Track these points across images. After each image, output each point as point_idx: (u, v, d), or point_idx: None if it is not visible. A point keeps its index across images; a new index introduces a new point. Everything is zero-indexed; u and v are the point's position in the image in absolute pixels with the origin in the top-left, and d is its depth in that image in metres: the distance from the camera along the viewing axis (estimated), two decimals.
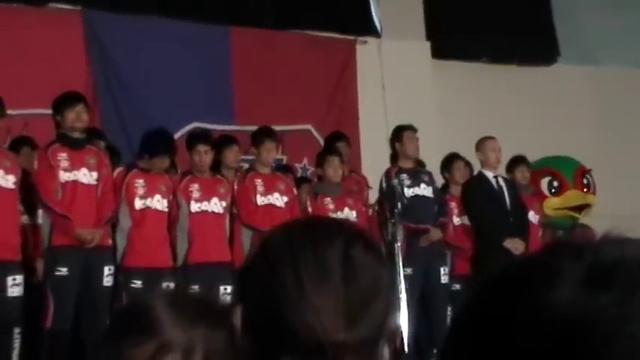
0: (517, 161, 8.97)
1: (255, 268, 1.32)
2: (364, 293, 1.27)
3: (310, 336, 1.21)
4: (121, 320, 1.40)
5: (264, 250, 1.33)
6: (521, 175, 8.99)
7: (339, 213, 8.01)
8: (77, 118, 6.87)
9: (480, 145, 8.39)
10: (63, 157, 6.83)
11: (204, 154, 7.49)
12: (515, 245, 8.10)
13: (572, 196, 9.90)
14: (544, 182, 10.01)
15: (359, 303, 1.26)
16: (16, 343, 6.44)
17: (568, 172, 10.06)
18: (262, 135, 7.88)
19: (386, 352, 1.34)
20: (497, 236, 8.09)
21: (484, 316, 0.81)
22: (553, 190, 9.98)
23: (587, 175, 10.06)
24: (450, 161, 9.03)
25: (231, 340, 1.29)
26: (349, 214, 8.09)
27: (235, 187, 7.70)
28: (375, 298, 1.28)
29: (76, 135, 6.92)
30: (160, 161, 7.24)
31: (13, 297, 6.45)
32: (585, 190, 10.01)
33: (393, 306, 1.32)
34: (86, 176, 6.89)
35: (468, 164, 9.08)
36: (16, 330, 6.46)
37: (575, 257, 0.80)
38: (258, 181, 7.74)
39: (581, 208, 9.86)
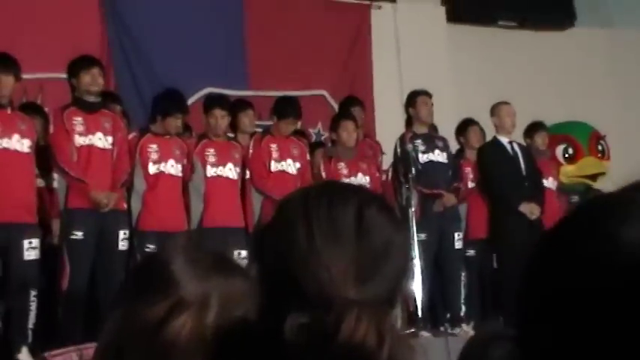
0: (536, 126, 8.92)
1: (271, 227, 1.32)
2: (376, 254, 1.27)
3: (319, 291, 1.21)
4: (136, 277, 1.37)
5: (280, 210, 1.34)
6: (541, 140, 8.94)
7: (352, 178, 7.99)
8: (93, 81, 6.87)
9: (496, 109, 8.37)
10: (78, 122, 6.83)
11: (220, 119, 7.50)
12: (530, 210, 8.10)
13: (588, 164, 9.85)
14: (559, 149, 9.97)
15: (370, 263, 1.26)
16: (33, 306, 6.48)
17: (583, 139, 10.02)
18: (287, 110, 7.82)
19: (398, 315, 1.34)
20: (512, 201, 8.09)
21: (557, 253, 0.80)
22: (567, 157, 9.94)
23: (602, 141, 10.02)
24: (465, 126, 8.99)
25: (248, 287, 1.29)
26: (363, 179, 8.07)
27: (250, 150, 7.70)
28: (387, 260, 1.28)
29: (92, 99, 6.92)
30: (174, 121, 7.23)
31: (30, 260, 6.48)
32: (600, 156, 9.97)
33: (406, 270, 1.31)
34: (101, 140, 6.90)
35: (481, 130, 9.05)
36: (33, 292, 6.49)
37: None
38: (273, 146, 7.74)
39: (595, 177, 9.82)
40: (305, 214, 1.28)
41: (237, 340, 1.26)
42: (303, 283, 1.22)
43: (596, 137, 10.01)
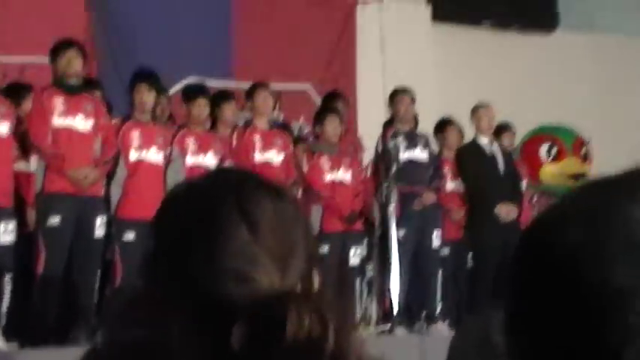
0: (503, 128, 8.91)
1: (163, 254, 1.20)
2: (276, 235, 1.18)
3: (251, 296, 1.13)
4: None
5: (163, 234, 1.22)
6: (508, 141, 8.96)
7: (334, 173, 7.99)
8: (69, 63, 6.76)
9: (475, 111, 8.43)
10: (59, 102, 6.74)
11: (203, 108, 7.47)
12: (507, 211, 8.13)
13: (570, 164, 9.91)
14: (543, 148, 10.01)
15: (276, 245, 1.17)
16: (7, 289, 6.42)
17: (567, 141, 10.08)
18: (255, 86, 7.83)
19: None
20: (489, 202, 8.12)
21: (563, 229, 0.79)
22: (550, 156, 9.99)
23: (586, 146, 10.09)
24: (443, 126, 8.97)
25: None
26: (345, 174, 8.07)
27: (234, 141, 7.65)
28: (288, 236, 1.19)
29: (72, 81, 6.84)
30: (140, 91, 7.06)
31: (5, 244, 6.42)
32: (583, 160, 10.04)
33: (311, 243, 1.22)
34: (82, 123, 6.81)
35: (460, 130, 9.03)
36: (8, 276, 6.44)
37: None
38: (257, 137, 7.71)
39: (577, 177, 9.87)
40: (183, 233, 1.18)
41: None
42: (228, 295, 1.13)
43: (581, 142, 10.08)
